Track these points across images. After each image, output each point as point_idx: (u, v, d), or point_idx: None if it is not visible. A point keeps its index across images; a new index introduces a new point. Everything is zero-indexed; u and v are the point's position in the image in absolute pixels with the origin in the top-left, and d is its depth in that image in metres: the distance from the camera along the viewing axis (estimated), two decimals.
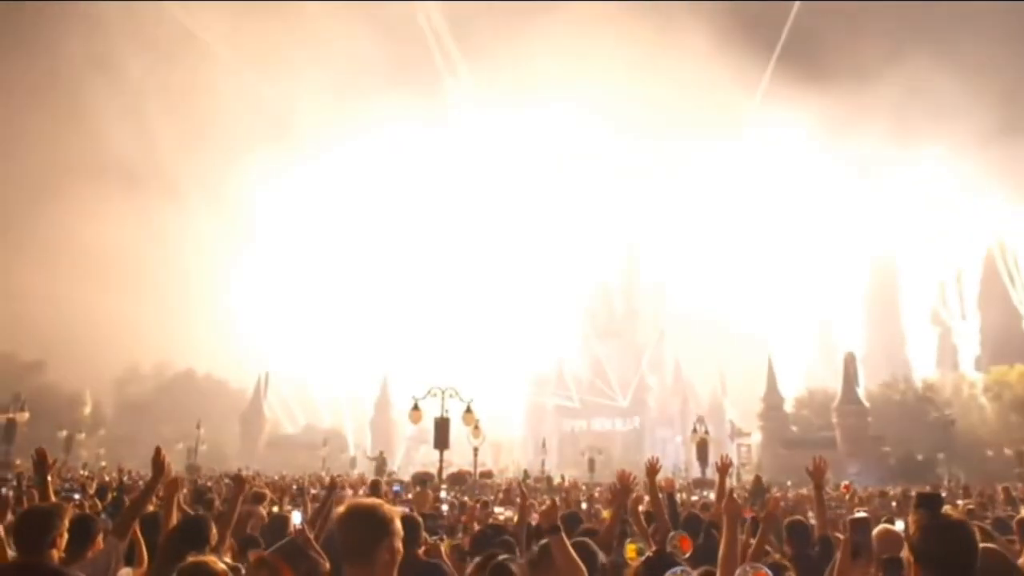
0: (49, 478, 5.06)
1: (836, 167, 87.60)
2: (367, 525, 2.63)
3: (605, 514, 10.31)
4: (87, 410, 76.13)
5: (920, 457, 62.14)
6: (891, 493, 19.33)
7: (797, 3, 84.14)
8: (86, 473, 31.04)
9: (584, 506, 13.12)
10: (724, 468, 5.90)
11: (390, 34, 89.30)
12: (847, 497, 17.32)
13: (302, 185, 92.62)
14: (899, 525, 6.22)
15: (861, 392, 69.40)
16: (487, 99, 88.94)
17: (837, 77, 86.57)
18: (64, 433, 56.73)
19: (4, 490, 9.55)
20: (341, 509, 2.75)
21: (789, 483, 38.78)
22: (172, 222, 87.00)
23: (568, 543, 3.30)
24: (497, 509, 12.41)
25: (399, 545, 2.68)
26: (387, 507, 2.69)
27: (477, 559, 4.41)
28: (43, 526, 3.86)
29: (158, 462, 4.46)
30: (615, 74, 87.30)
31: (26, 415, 40.49)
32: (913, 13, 79.50)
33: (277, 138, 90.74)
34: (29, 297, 73.73)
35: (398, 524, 2.68)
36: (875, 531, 5.04)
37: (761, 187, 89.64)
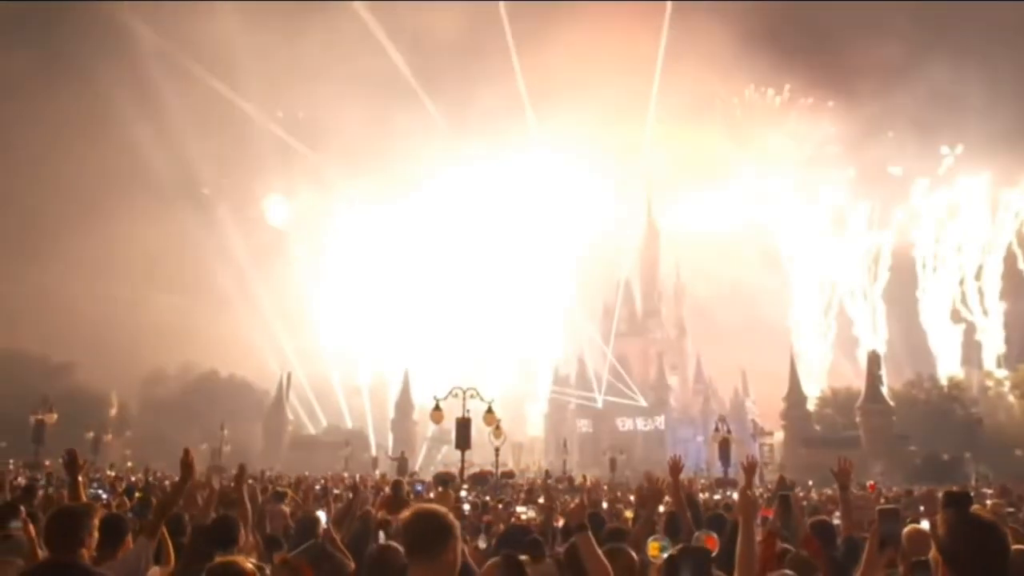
0: (80, 478, 5.13)
1: (848, 162, 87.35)
2: (435, 527, 2.78)
3: (628, 514, 10.30)
4: (113, 411, 77.11)
5: (946, 457, 61.30)
6: (917, 493, 19.12)
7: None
8: (113, 473, 31.42)
9: (604, 505, 13.10)
10: (751, 468, 5.82)
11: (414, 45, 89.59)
12: (873, 497, 17.16)
13: (325, 189, 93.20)
14: (925, 525, 6.16)
15: (884, 391, 68.70)
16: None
17: (860, 77, 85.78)
18: (91, 434, 57.47)
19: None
20: (408, 512, 2.92)
21: (811, 483, 38.47)
22: (198, 230, 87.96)
23: (594, 542, 3.32)
24: (519, 509, 12.42)
25: (461, 547, 2.86)
26: (450, 513, 2.88)
27: (494, 558, 4.42)
28: (74, 525, 3.90)
29: (187, 463, 4.49)
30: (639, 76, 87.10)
31: (55, 416, 41.07)
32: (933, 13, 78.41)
33: (310, 147, 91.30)
34: (58, 301, 74.85)
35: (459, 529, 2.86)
36: (903, 532, 4.99)
37: (781, 184, 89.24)
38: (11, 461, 36.93)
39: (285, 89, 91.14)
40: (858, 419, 67.07)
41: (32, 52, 79.38)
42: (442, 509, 2.91)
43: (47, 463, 33.51)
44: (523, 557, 4.07)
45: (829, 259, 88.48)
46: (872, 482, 27.98)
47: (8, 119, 76.11)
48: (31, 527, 4.80)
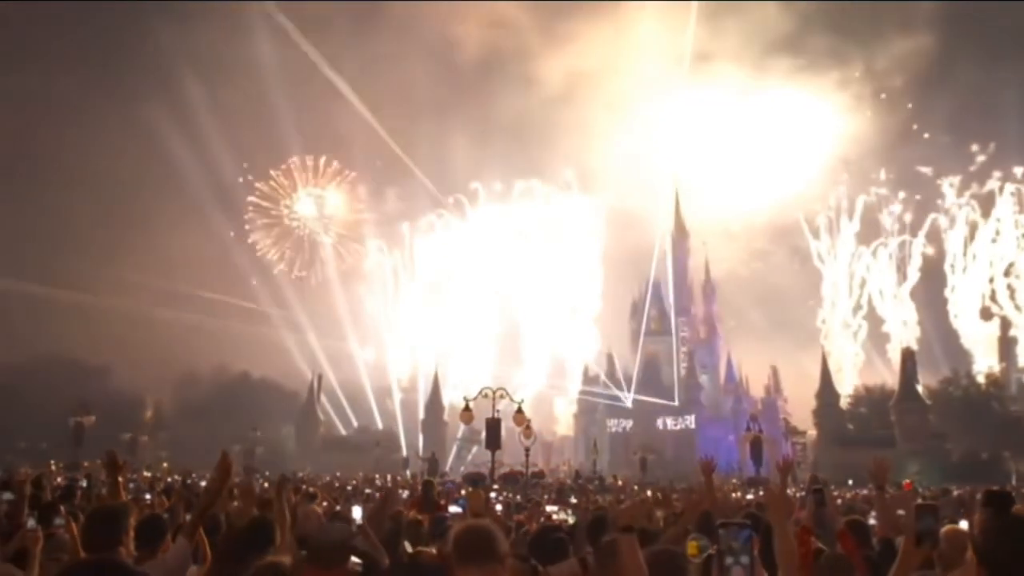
0: (120, 479, 5.22)
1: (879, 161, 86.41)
2: (490, 536, 3.08)
3: (659, 513, 10.25)
4: (148, 413, 78.42)
5: (985, 455, 60.12)
6: (955, 493, 18.79)
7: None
8: (149, 475, 31.96)
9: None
10: (786, 468, 5.70)
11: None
12: (909, 496, 16.89)
13: (352, 193, 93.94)
14: (963, 525, 6.05)
15: (919, 389, 67.64)
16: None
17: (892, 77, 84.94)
18: (128, 436, 58.52)
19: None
20: (461, 525, 3.24)
21: (850, 482, 37.96)
22: (228, 235, 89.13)
23: (638, 545, 3.34)
24: (550, 508, 12.44)
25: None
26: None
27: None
28: (112, 524, 3.94)
29: (224, 465, 4.53)
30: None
31: (92, 418, 41.95)
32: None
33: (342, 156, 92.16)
34: (95, 306, 76.26)
35: None
36: (942, 532, 4.91)
37: (810, 183, 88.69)
38: (52, 462, 37.75)
39: (314, 101, 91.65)
40: (893, 417, 66.03)
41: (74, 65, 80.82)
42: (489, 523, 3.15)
43: (85, 464, 34.17)
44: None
45: (859, 257, 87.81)
46: (908, 481, 27.45)
47: (50, 124, 77.65)
48: (73, 525, 4.90)
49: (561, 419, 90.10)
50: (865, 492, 19.81)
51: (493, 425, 22.10)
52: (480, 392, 23.01)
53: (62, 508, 5.52)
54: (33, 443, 62.68)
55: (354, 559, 4.06)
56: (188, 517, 5.26)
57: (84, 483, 13.91)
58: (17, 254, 69.74)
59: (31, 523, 4.70)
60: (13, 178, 79.70)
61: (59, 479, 18.35)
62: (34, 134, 79.66)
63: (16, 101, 75.96)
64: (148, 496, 11.77)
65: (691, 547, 2.90)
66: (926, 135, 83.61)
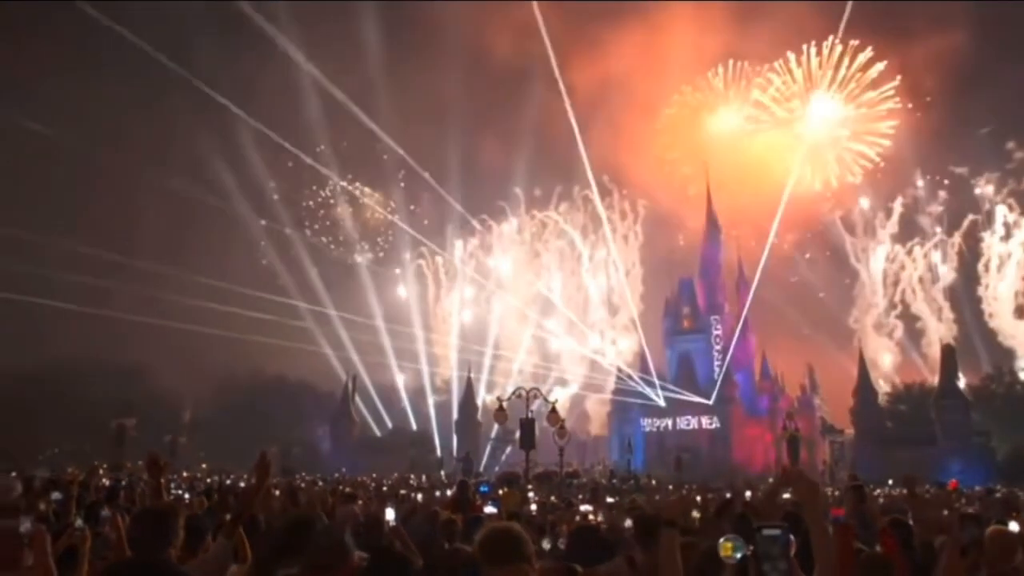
0: (162, 480, 5.31)
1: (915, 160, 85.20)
2: (516, 538, 3.15)
3: (695, 514, 10.17)
4: (187, 415, 79.71)
5: None
6: (1000, 492, 18.38)
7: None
8: (188, 475, 32.55)
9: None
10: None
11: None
12: (952, 496, 16.54)
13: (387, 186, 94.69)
14: (1013, 527, 5.91)
15: (961, 385, 66.36)
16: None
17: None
18: (168, 437, 59.55)
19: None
20: (486, 529, 3.28)
21: (890, 482, 37.28)
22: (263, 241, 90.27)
23: (677, 542, 3.41)
24: (584, 508, 12.42)
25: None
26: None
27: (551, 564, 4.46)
28: (162, 525, 3.98)
29: (263, 465, 4.58)
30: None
31: (133, 421, 42.79)
32: None
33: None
34: (136, 310, 77.52)
35: None
36: (987, 532, 4.79)
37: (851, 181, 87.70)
38: (95, 462, 38.55)
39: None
40: (933, 415, 64.78)
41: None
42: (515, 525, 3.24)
43: (128, 464, 34.86)
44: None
45: (895, 256, 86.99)
46: (954, 480, 26.83)
47: (98, 138, 78.84)
48: (119, 524, 5.00)
49: (595, 418, 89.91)
50: (906, 492, 19.47)
51: (527, 425, 22.07)
52: (514, 392, 23.06)
53: (107, 507, 5.65)
54: (77, 444, 64.13)
55: (359, 553, 4.08)
56: (227, 517, 5.33)
57: (126, 483, 14.21)
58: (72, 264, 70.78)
59: (78, 522, 4.82)
60: (71, 187, 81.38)
61: (104, 480, 18.75)
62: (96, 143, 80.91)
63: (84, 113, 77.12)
64: (187, 496, 11.98)
65: (725, 547, 2.86)
66: (962, 133, 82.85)
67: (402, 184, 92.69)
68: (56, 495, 7.25)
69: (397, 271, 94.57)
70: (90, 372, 70.16)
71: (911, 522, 6.16)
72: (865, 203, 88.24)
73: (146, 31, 69.15)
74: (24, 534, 3.59)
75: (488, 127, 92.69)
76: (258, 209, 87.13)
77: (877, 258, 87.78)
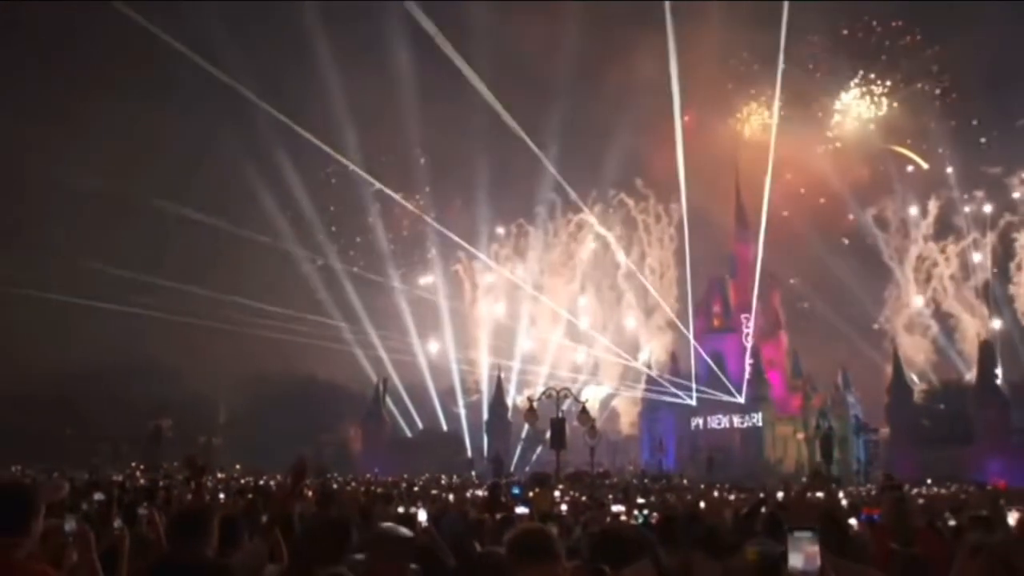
0: (202, 481, 5.41)
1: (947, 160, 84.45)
2: (546, 538, 3.28)
3: (725, 512, 10.12)
4: (221, 417, 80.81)
5: None
6: None
7: None
8: (224, 476, 32.95)
9: (702, 505, 12.88)
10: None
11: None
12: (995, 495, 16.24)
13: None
14: None
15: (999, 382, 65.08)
16: None
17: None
18: (203, 438, 60.42)
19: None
20: (517, 529, 3.44)
21: (928, 481, 36.69)
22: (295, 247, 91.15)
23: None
24: (615, 508, 12.40)
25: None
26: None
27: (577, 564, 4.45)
28: (200, 525, 4.08)
29: (299, 467, 4.64)
30: None
31: (169, 421, 43.49)
32: None
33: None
34: (169, 312, 78.73)
35: None
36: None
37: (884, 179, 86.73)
38: (133, 464, 39.28)
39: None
40: (971, 412, 63.52)
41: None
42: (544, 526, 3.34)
43: (164, 465, 35.42)
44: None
45: (929, 255, 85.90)
46: (1003, 481, 26.26)
47: (130, 156, 79.99)
48: (157, 523, 5.10)
49: (625, 418, 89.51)
50: (944, 491, 19.15)
51: (558, 425, 22.06)
52: (544, 392, 23.10)
53: (145, 507, 5.76)
54: (115, 445, 65.30)
55: (413, 566, 4.14)
56: (264, 518, 5.41)
57: (163, 483, 14.46)
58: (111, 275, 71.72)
59: (117, 523, 4.93)
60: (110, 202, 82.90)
61: (141, 480, 19.09)
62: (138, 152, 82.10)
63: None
64: (222, 496, 12.16)
65: (750, 553, 2.84)
66: (995, 131, 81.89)
67: (428, 188, 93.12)
68: (98, 496, 7.42)
69: (431, 279, 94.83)
70: (127, 373, 71.39)
71: (953, 522, 6.09)
72: (899, 202, 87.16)
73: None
74: (69, 533, 3.69)
75: (519, 131, 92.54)
76: (298, 233, 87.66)
77: (911, 256, 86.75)
